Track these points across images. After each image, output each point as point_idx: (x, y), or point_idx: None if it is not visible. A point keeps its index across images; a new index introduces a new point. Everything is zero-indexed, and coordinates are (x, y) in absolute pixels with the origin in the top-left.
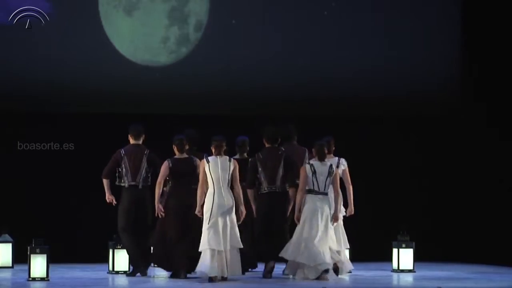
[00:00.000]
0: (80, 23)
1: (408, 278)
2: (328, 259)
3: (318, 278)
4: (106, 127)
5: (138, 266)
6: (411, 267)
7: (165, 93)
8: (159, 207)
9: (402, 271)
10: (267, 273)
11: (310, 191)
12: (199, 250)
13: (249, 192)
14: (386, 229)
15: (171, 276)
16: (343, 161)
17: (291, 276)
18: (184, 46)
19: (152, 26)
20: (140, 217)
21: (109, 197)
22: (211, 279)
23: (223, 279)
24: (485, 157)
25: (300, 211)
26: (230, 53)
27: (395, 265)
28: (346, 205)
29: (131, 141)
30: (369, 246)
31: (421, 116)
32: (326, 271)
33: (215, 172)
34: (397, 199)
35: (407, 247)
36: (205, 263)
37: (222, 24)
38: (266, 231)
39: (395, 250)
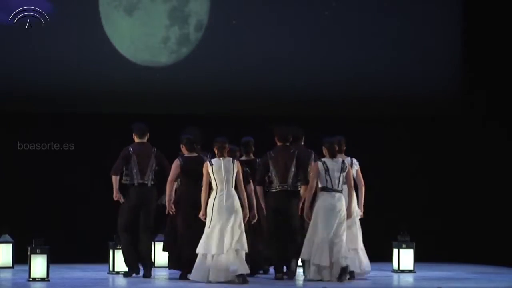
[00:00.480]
0: (80, 23)
1: (408, 279)
2: (345, 257)
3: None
4: (106, 127)
5: (132, 268)
6: (411, 268)
7: (165, 93)
8: (170, 205)
9: (403, 271)
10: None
11: (323, 189)
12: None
13: (259, 190)
14: (386, 229)
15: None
16: (355, 161)
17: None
18: (185, 46)
19: (152, 26)
20: (143, 215)
21: (116, 195)
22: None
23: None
24: (485, 157)
25: (310, 208)
26: (231, 53)
27: (395, 266)
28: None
29: (136, 139)
30: (369, 246)
31: (421, 116)
32: (344, 270)
33: (218, 174)
34: (397, 199)
35: (407, 247)
36: (196, 270)
37: (222, 24)
38: (276, 231)
39: (395, 250)
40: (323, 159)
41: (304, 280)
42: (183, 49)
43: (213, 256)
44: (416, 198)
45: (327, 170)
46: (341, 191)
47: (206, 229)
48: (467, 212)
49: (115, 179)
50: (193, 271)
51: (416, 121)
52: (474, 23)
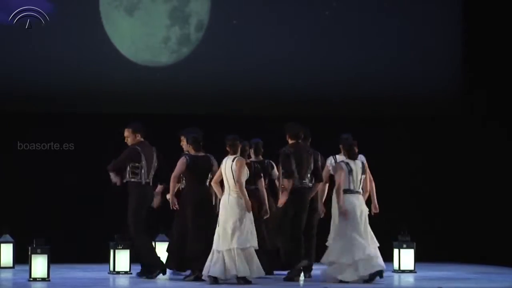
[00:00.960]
0: (80, 23)
1: (409, 279)
2: (378, 258)
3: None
4: (106, 127)
5: (158, 266)
6: (412, 268)
7: (165, 93)
8: (173, 201)
9: (403, 271)
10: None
11: (347, 191)
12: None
13: (287, 183)
14: (386, 229)
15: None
16: (361, 157)
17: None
18: (185, 46)
19: (153, 26)
20: (147, 215)
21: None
22: (215, 280)
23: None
24: (485, 157)
25: (343, 209)
26: (231, 53)
27: (396, 266)
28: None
29: (139, 138)
30: None
31: (421, 116)
32: (378, 273)
33: (223, 172)
34: (397, 199)
35: (408, 247)
36: (206, 267)
37: (223, 24)
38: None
39: (395, 250)
40: (345, 161)
41: (305, 280)
42: (184, 49)
43: (222, 253)
44: (416, 198)
45: (350, 171)
46: (361, 192)
47: (218, 227)
48: (467, 212)
49: (113, 175)
50: (205, 268)
51: (416, 121)
52: (474, 23)
